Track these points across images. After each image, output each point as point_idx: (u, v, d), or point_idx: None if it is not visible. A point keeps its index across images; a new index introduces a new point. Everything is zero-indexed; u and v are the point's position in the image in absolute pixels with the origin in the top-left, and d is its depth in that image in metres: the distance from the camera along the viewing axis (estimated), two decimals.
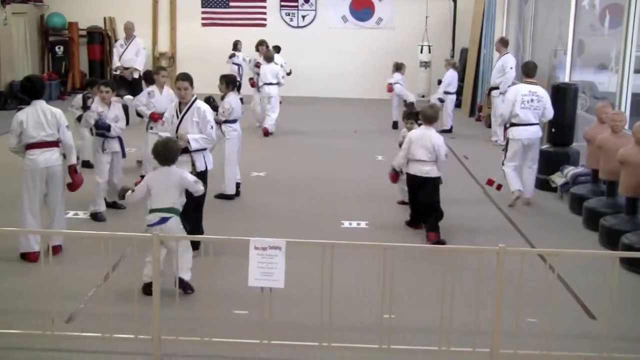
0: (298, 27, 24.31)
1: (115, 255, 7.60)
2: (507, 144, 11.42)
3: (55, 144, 8.38)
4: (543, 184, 12.23)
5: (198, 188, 7.45)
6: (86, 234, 8.20)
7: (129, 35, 16.93)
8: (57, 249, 8.15)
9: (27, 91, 8.63)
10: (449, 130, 17.78)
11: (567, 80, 14.62)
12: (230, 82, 11.38)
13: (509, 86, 16.08)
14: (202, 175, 8.53)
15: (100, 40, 23.80)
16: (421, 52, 21.91)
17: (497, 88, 16.29)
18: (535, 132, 11.21)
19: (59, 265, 7.24)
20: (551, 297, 6.04)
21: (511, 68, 16.16)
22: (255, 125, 17.33)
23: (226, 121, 11.07)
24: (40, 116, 8.30)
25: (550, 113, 11.28)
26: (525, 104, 11.03)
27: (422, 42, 22.15)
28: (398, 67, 18.52)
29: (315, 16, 24.26)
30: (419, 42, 22.17)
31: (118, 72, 16.80)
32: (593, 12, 14.13)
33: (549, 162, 12.31)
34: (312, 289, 6.57)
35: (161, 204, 7.27)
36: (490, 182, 11.67)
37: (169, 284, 6.90)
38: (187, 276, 7.32)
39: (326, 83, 22.78)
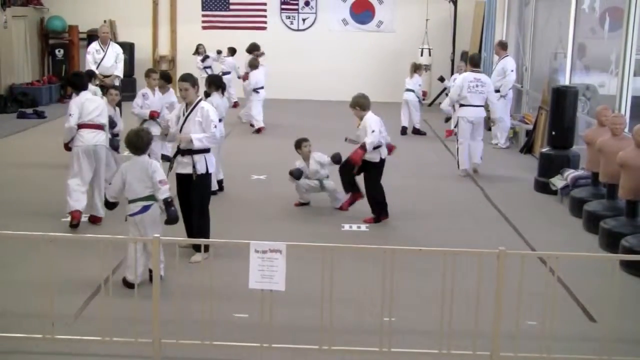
0: (298, 30, 24.32)
1: (116, 258, 7.60)
2: (457, 122, 13.74)
3: (100, 127, 9.80)
4: (543, 187, 12.24)
5: (160, 187, 7.60)
6: (86, 237, 8.22)
7: (106, 40, 15.29)
8: (97, 219, 9.92)
9: (74, 85, 9.98)
10: None
11: (567, 83, 14.61)
12: (213, 82, 11.58)
13: (509, 89, 16.18)
14: (203, 178, 8.57)
15: None
16: (421, 55, 21.94)
17: (497, 91, 16.29)
18: (479, 112, 13.52)
19: (58, 268, 7.24)
20: (551, 300, 6.04)
21: (512, 71, 16.21)
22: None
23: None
24: (87, 104, 9.74)
25: (492, 97, 13.84)
26: (471, 88, 13.32)
27: (423, 45, 22.20)
28: (416, 68, 18.23)
29: (315, 19, 24.26)
30: (420, 45, 22.21)
31: (97, 81, 14.27)
32: (593, 15, 14.13)
33: (549, 165, 12.33)
34: (313, 291, 6.57)
35: (139, 193, 7.61)
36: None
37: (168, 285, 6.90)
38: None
39: (326, 86, 22.79)
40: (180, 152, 8.57)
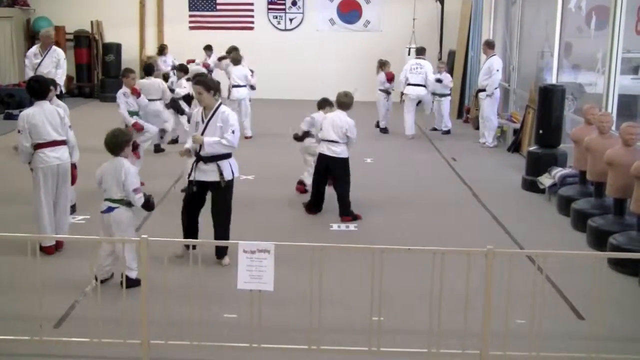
0: (286, 30, 24.31)
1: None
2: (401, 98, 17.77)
3: (63, 142, 8.69)
4: (531, 185, 12.27)
5: (134, 196, 7.54)
6: (74, 238, 8.19)
7: (47, 45, 14.22)
8: (60, 244, 8.73)
9: (33, 91, 8.75)
10: (448, 132, 17.98)
11: (554, 81, 14.65)
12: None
13: (496, 88, 16.21)
14: (230, 183, 8.42)
15: (87, 44, 23.75)
16: (409, 54, 21.94)
17: (484, 90, 16.33)
18: (420, 90, 17.47)
19: (46, 269, 7.22)
20: (540, 299, 6.06)
21: (497, 70, 16.20)
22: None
23: None
24: (48, 117, 8.57)
25: (430, 78, 17.55)
26: (412, 71, 17.42)
27: (410, 44, 22.20)
28: (382, 65, 18.41)
29: (302, 19, 24.27)
30: (407, 44, 22.22)
31: None
32: (579, 13, 14.17)
33: (537, 164, 12.36)
34: (302, 292, 6.57)
35: (109, 194, 7.59)
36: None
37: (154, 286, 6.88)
38: (132, 274, 7.40)
39: (314, 86, 22.73)
40: (202, 159, 8.31)
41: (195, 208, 8.54)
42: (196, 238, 8.43)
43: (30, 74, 13.68)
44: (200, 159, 8.31)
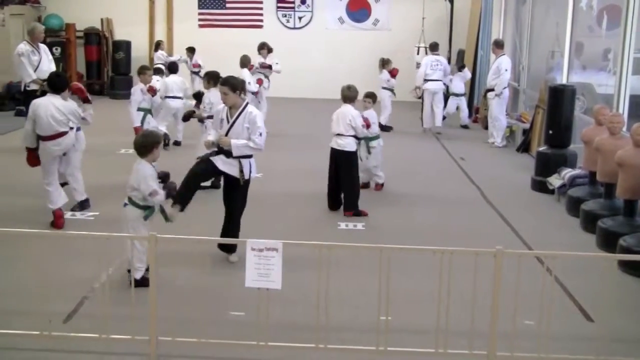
0: (294, 28, 24.29)
1: (113, 255, 7.57)
2: (422, 94, 18.24)
3: (66, 132, 9.42)
4: (540, 186, 12.23)
5: (152, 201, 7.43)
6: (84, 234, 8.19)
7: (37, 41, 13.69)
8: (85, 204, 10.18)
9: (53, 85, 9.45)
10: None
11: (564, 81, 14.60)
12: (211, 78, 11.70)
13: (504, 88, 16.16)
14: (247, 183, 8.41)
15: (97, 41, 23.79)
16: (418, 53, 21.89)
17: (492, 90, 16.30)
18: (438, 84, 18.08)
19: (55, 265, 7.22)
20: (548, 300, 6.04)
21: (506, 70, 16.14)
22: None
23: (208, 116, 11.27)
24: (53, 111, 9.23)
25: (448, 70, 18.64)
26: (432, 67, 17.99)
27: (419, 43, 22.14)
28: (384, 63, 18.42)
29: (311, 17, 24.24)
30: (416, 43, 22.16)
31: (37, 87, 13.17)
32: (590, 13, 14.12)
33: (546, 164, 12.32)
34: (309, 290, 6.56)
35: (128, 192, 7.54)
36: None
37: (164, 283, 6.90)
38: (137, 274, 7.24)
39: (322, 84, 22.70)
40: (225, 153, 8.27)
41: (201, 180, 8.54)
42: (190, 199, 8.28)
43: (30, 72, 13.46)
44: (221, 152, 8.29)
